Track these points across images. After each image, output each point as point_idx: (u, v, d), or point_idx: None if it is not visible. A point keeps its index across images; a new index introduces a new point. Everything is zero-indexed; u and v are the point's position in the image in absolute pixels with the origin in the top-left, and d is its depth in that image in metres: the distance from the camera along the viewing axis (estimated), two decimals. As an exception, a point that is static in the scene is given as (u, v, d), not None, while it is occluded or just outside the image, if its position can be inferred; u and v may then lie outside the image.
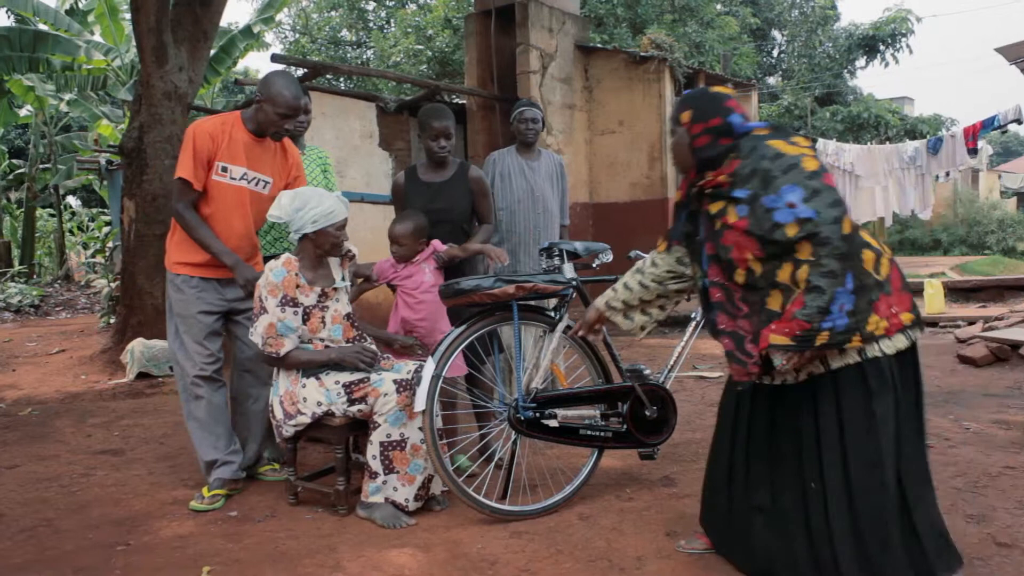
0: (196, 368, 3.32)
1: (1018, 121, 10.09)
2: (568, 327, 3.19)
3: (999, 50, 6.29)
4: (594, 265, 3.51)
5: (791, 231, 2.18)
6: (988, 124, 10.40)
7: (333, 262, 3.24)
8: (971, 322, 7.39)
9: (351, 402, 2.98)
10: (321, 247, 3.11)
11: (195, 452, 3.40)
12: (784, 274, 2.23)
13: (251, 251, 3.43)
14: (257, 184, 3.35)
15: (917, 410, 2.35)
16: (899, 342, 2.27)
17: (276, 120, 3.23)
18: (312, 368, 3.09)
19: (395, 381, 2.99)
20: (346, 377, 3.03)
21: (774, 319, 2.24)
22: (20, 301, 11.68)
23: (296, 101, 3.24)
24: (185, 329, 3.32)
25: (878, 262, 2.30)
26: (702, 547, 2.64)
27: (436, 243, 3.49)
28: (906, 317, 2.28)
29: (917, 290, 9.56)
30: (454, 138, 3.61)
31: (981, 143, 11.04)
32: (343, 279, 3.23)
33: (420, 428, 2.95)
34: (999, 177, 28.87)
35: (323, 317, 3.14)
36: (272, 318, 3.01)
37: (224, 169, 3.26)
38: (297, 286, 3.06)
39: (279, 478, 3.50)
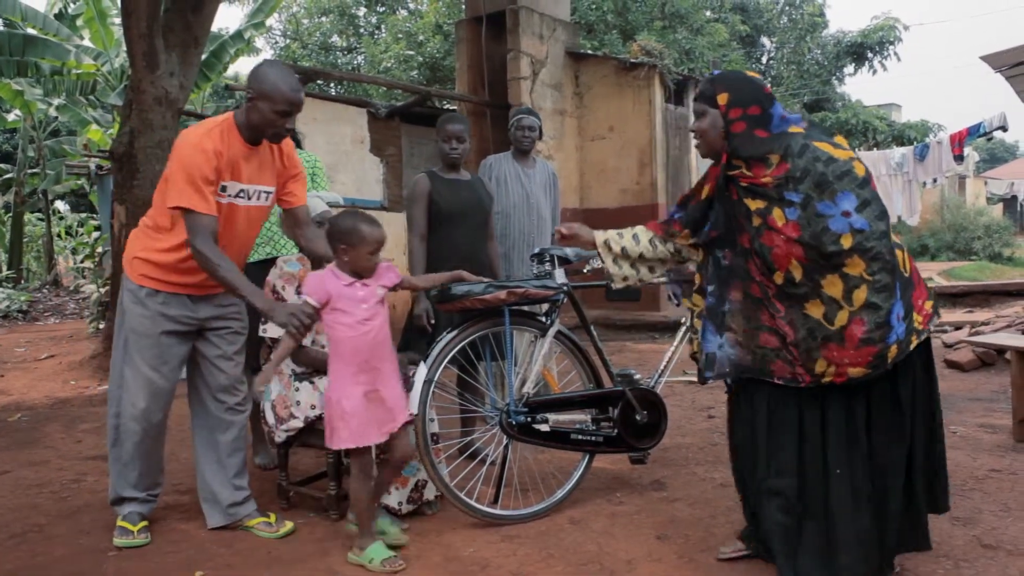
0: (143, 401, 2.85)
1: (1003, 128, 10.18)
2: (560, 332, 3.21)
3: (984, 58, 6.34)
4: (585, 271, 3.53)
5: (846, 242, 2.18)
6: (974, 131, 10.49)
7: None
8: (958, 327, 7.45)
9: (344, 406, 2.98)
10: None
11: (188, 460, 3.17)
12: (833, 288, 2.22)
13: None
14: (259, 197, 2.92)
15: (932, 392, 2.40)
16: (925, 334, 2.32)
17: (274, 119, 2.77)
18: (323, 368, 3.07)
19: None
20: (340, 381, 3.02)
21: (826, 335, 2.23)
22: (8, 306, 11.60)
23: (295, 94, 2.78)
24: (139, 349, 2.86)
25: (904, 258, 2.33)
26: (742, 549, 2.60)
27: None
28: (929, 306, 2.34)
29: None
30: (467, 143, 3.79)
31: (967, 150, 11.13)
32: None
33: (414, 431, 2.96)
34: (985, 183, 29.12)
35: None
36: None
37: (223, 188, 2.81)
38: None
39: (274, 535, 2.93)
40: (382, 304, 2.73)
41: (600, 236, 2.76)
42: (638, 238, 2.71)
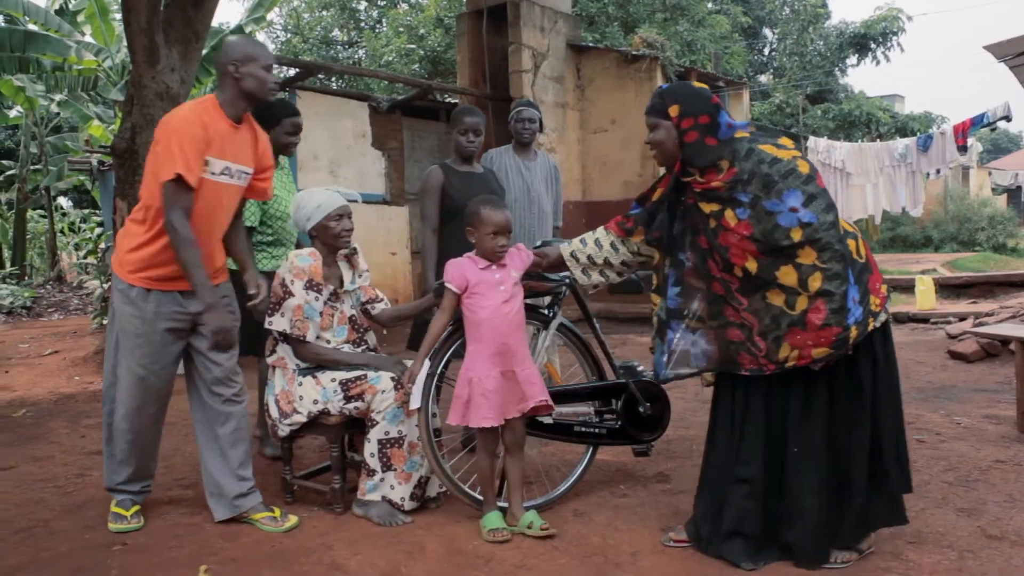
0: (136, 400, 2.88)
1: (1007, 118, 10.16)
2: (562, 324, 3.21)
3: (988, 48, 6.31)
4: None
5: (796, 235, 2.31)
6: (977, 121, 10.46)
7: (343, 265, 3.24)
8: (962, 318, 7.44)
9: (347, 399, 2.99)
10: (326, 242, 3.14)
11: (191, 455, 3.26)
12: (788, 278, 2.34)
13: (221, 266, 3.04)
14: (240, 177, 2.93)
15: (893, 377, 2.51)
16: (883, 316, 2.44)
17: (266, 76, 2.85)
18: (334, 368, 3.09)
19: (392, 378, 3.00)
20: (343, 375, 3.04)
21: (790, 321, 2.34)
22: (12, 303, 11.62)
23: (269, 51, 2.92)
24: (130, 349, 2.86)
25: (858, 245, 2.45)
26: (685, 541, 2.67)
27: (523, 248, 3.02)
28: (884, 289, 2.48)
29: (908, 287, 9.63)
30: (482, 136, 3.82)
31: (971, 140, 11.09)
32: (352, 282, 3.24)
33: (417, 426, 2.96)
34: (989, 174, 28.98)
35: (332, 315, 3.16)
36: (300, 300, 3.04)
37: (207, 164, 2.79)
38: (324, 276, 3.13)
39: (278, 529, 2.92)
40: (518, 287, 2.85)
41: (566, 249, 2.88)
42: (600, 243, 2.83)
